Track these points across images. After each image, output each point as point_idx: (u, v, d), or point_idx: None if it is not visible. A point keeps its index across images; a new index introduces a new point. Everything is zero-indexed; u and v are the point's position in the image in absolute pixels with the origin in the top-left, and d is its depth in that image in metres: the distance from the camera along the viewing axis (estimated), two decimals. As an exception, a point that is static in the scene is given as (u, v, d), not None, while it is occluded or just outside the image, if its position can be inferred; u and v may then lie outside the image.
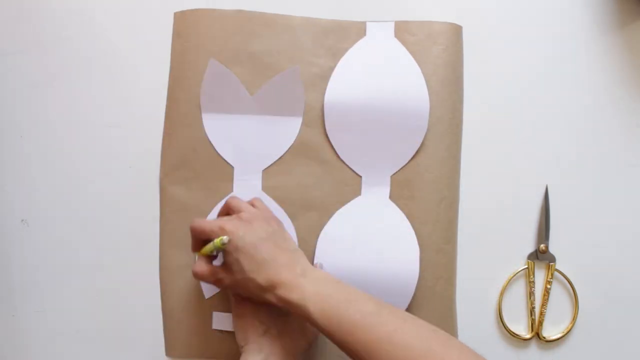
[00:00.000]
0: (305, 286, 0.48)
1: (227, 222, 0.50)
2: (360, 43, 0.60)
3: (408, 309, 0.57)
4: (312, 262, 0.59)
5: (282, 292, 0.48)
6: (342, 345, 0.46)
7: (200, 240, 0.52)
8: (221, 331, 0.59)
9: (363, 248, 0.58)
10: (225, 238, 0.49)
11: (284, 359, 0.51)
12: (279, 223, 0.54)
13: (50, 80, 0.62)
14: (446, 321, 0.58)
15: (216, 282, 0.52)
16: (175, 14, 0.61)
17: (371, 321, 0.45)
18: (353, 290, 0.48)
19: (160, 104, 0.61)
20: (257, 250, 0.49)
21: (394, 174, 0.59)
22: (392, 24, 0.60)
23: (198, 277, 0.52)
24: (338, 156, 0.59)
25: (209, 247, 0.51)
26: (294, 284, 0.48)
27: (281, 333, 0.52)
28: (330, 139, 0.59)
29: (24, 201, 0.61)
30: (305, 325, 0.54)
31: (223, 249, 0.50)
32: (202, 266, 0.52)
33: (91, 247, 0.61)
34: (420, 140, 0.59)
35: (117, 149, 0.61)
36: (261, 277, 0.49)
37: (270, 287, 0.48)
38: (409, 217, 0.59)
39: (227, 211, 0.55)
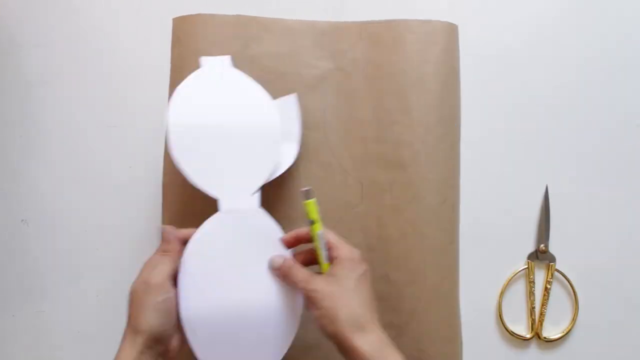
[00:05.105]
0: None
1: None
2: (196, 74, 0.54)
3: (414, 309, 0.57)
4: None
5: (356, 335, 0.43)
6: None
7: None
8: None
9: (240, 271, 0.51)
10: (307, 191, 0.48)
11: None
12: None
13: (50, 80, 0.62)
14: (451, 321, 0.58)
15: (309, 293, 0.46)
16: (174, 19, 0.60)
17: None
18: None
19: (160, 104, 0.61)
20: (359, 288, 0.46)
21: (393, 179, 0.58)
22: (229, 58, 0.56)
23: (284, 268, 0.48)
24: (336, 161, 0.59)
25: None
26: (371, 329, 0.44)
27: None
28: (180, 164, 0.51)
29: (24, 201, 0.61)
30: None
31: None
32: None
33: (91, 247, 0.61)
34: (277, 155, 0.53)
35: (117, 149, 0.61)
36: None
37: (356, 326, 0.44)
38: (412, 218, 0.58)
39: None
